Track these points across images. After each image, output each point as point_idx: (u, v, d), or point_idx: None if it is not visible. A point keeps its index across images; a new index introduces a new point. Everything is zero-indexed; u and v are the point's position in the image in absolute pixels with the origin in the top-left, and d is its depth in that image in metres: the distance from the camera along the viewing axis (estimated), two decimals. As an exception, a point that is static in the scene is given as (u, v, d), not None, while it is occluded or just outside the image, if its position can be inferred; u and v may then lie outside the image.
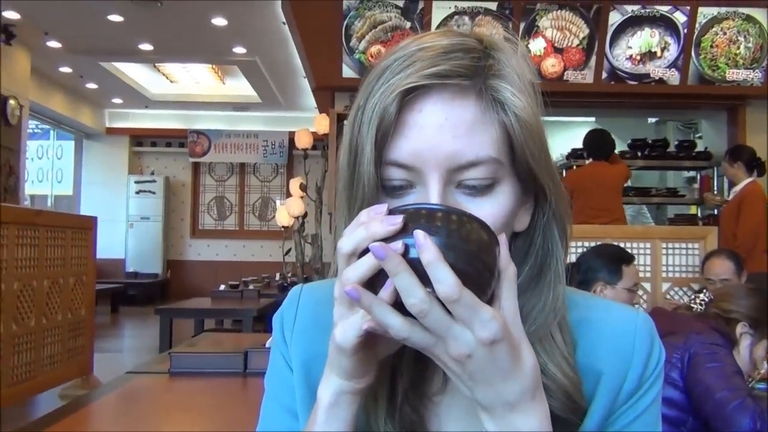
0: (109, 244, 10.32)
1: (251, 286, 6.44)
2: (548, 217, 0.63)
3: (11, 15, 7.13)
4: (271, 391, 0.74)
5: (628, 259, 2.46)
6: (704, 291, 1.95)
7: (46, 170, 11.38)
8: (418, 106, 0.57)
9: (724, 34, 5.39)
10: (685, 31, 5.34)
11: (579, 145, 5.22)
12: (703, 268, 3.28)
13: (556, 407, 0.62)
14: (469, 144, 0.57)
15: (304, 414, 0.69)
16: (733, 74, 5.41)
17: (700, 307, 1.92)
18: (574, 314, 0.67)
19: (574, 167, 5.75)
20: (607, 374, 0.66)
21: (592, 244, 3.81)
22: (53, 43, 8.05)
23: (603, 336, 0.67)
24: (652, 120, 8.20)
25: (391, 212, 0.51)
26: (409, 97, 0.57)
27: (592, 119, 7.51)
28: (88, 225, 4.75)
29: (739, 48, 5.40)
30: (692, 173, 6.99)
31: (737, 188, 4.60)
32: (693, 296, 1.96)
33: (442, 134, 0.57)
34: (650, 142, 6.52)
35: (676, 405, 1.71)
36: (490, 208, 0.58)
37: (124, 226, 11.45)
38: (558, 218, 0.63)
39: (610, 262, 2.42)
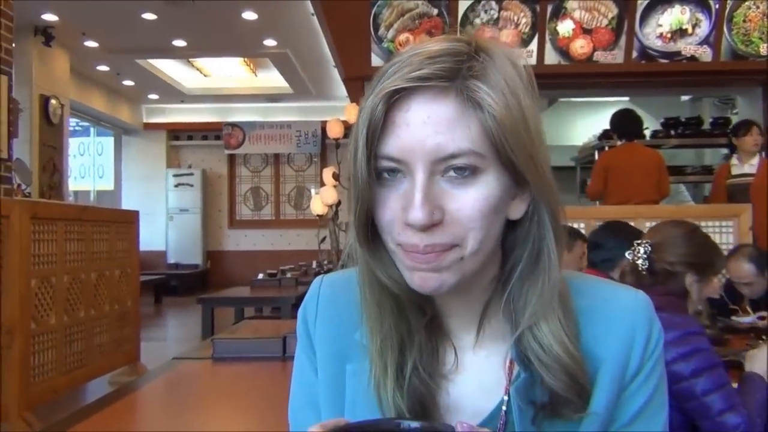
0: (151, 237, 10.57)
1: (289, 275, 6.57)
2: (539, 207, 0.68)
3: (50, 18, 7.35)
4: (298, 389, 0.81)
5: (641, 233, 2.53)
6: (643, 242, 1.88)
7: (88, 166, 11.68)
8: (404, 105, 0.63)
9: (757, 8, 5.28)
10: (717, 6, 5.25)
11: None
12: (727, 264, 3.13)
13: (560, 387, 0.67)
14: (450, 138, 0.62)
15: (327, 403, 0.76)
16: (768, 49, 5.32)
17: (643, 261, 1.86)
18: (579, 302, 0.72)
19: (606, 148, 5.71)
20: (609, 359, 0.70)
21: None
22: (90, 43, 8.26)
23: (606, 322, 0.72)
24: (685, 97, 8.07)
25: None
26: (396, 98, 0.63)
27: (626, 99, 7.43)
28: (131, 219, 4.92)
29: (773, 21, 5.30)
30: (729, 150, 6.88)
31: (755, 161, 4.55)
32: (633, 251, 1.88)
33: (426, 130, 0.63)
34: (683, 120, 6.44)
35: None
36: (474, 193, 0.64)
37: (164, 218, 11.70)
38: (546, 206, 0.68)
39: (634, 240, 2.48)
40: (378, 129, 0.64)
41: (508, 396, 0.70)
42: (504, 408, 0.70)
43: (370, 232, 0.69)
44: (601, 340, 0.71)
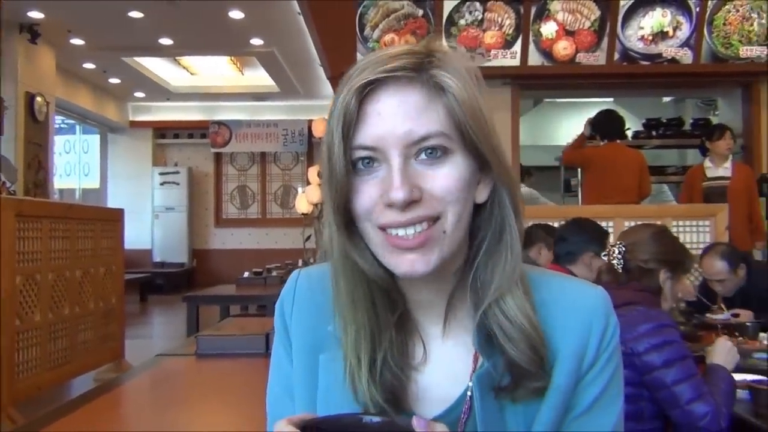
0: (136, 235, 10.53)
1: (274, 273, 6.58)
2: (500, 190, 0.74)
3: (36, 15, 7.32)
4: (275, 379, 0.85)
5: (607, 232, 2.75)
6: (617, 243, 2.03)
7: (74, 164, 11.63)
8: (375, 97, 0.69)
9: (737, 11, 5.36)
10: (698, 9, 5.33)
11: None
12: (700, 260, 3.24)
13: (523, 359, 0.71)
14: (420, 123, 0.68)
15: (301, 393, 0.79)
16: (747, 51, 5.39)
17: (618, 261, 2.00)
18: (538, 296, 0.75)
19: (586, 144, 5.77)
20: (567, 351, 0.74)
21: (608, 223, 3.95)
22: (77, 41, 8.23)
23: (565, 315, 0.75)
24: (668, 99, 8.17)
25: (306, 429, 0.62)
26: (367, 91, 0.69)
27: (610, 99, 7.51)
28: (116, 217, 4.93)
29: (752, 25, 5.37)
30: (701, 153, 6.96)
31: (728, 164, 4.66)
32: (609, 250, 2.04)
33: (397, 117, 0.68)
34: (665, 121, 6.52)
35: (627, 383, 1.79)
36: (446, 171, 0.70)
37: (150, 217, 11.68)
38: (506, 190, 0.74)
39: (598, 236, 2.69)
40: (353, 122, 0.69)
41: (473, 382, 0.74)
42: (469, 393, 0.74)
43: (348, 221, 0.73)
44: (560, 332, 0.75)
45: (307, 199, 4.46)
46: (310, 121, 10.57)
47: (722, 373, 1.82)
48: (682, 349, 1.79)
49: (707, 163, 4.76)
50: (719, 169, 4.68)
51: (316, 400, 0.77)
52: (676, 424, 1.76)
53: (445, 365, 0.77)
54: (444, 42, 0.76)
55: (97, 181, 11.80)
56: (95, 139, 11.80)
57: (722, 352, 1.89)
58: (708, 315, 3.09)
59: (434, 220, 0.69)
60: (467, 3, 5.31)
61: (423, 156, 0.69)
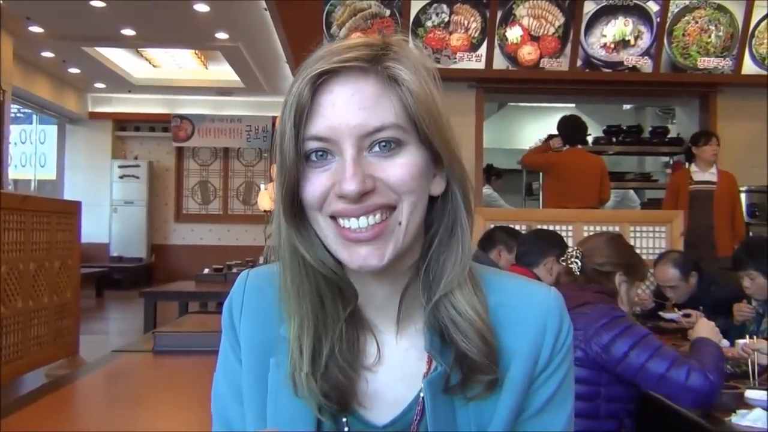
0: (94, 229, 10.31)
1: (235, 270, 6.52)
2: (451, 185, 0.74)
3: (-8, 0, 7.12)
4: (221, 378, 0.82)
5: (566, 244, 2.94)
6: (575, 248, 2.14)
7: (29, 155, 11.35)
8: (329, 88, 0.69)
9: (696, 23, 5.51)
10: (658, 20, 5.46)
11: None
12: (654, 268, 3.31)
13: (473, 351, 0.71)
14: (374, 114, 0.68)
15: (250, 395, 0.78)
16: (705, 62, 5.54)
17: (576, 263, 2.09)
18: (494, 298, 0.76)
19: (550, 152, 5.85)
20: (522, 352, 0.74)
21: (567, 227, 4.02)
22: (35, 29, 8.03)
23: (520, 317, 0.76)
24: (628, 106, 8.34)
25: None
26: (321, 81, 0.68)
27: (572, 105, 7.64)
28: (73, 210, 4.83)
29: (710, 36, 5.52)
30: (685, 159, 7.10)
31: (713, 170, 4.74)
32: (566, 255, 2.15)
33: (351, 107, 0.68)
34: (624, 128, 6.66)
35: (584, 381, 1.84)
36: (401, 161, 0.70)
37: (108, 210, 11.46)
38: (458, 184, 0.74)
39: (559, 244, 2.85)
40: (305, 112, 0.68)
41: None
42: (421, 395, 0.74)
43: (297, 213, 0.72)
44: (516, 333, 0.75)
45: (269, 196, 4.41)
46: (274, 118, 10.50)
47: (706, 341, 1.89)
48: (641, 330, 1.89)
49: (693, 167, 4.80)
50: (705, 174, 4.71)
51: (266, 403, 0.76)
52: (668, 398, 1.81)
53: (399, 367, 0.77)
54: (409, 40, 0.75)
55: (53, 172, 11.54)
56: (52, 129, 11.53)
57: (706, 328, 1.97)
58: (660, 313, 3.19)
59: (389, 210, 0.69)
60: (434, 5, 5.35)
61: (377, 149, 0.69)
